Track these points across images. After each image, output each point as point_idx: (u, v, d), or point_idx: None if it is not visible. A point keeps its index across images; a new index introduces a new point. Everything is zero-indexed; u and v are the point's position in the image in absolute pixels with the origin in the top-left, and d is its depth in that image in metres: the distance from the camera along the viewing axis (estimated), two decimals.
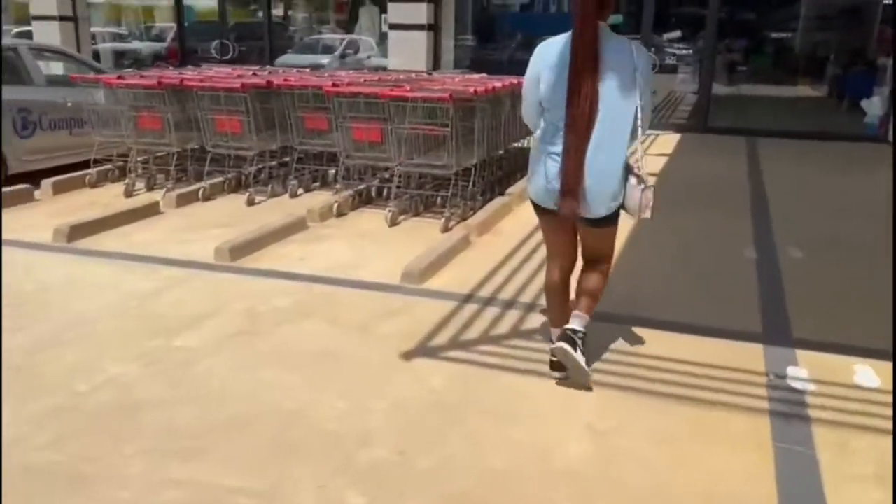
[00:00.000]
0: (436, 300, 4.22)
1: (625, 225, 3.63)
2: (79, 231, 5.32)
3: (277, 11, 17.64)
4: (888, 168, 8.57)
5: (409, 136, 5.73)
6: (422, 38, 11.95)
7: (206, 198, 6.55)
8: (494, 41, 17.15)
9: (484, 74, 8.35)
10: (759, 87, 18.50)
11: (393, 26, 12.19)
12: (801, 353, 3.60)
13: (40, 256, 4.94)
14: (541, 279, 4.65)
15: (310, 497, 2.48)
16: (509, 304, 4.18)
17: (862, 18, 14.85)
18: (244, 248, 4.98)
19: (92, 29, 15.48)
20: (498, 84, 6.47)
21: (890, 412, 3.05)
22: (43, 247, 5.14)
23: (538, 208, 3.26)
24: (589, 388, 3.19)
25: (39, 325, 3.80)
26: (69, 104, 7.17)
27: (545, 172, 3.07)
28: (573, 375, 3.19)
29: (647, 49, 3.14)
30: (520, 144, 7.79)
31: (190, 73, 7.36)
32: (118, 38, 18.95)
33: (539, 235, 5.69)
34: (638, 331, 3.80)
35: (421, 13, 11.89)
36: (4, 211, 5.85)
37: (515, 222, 6.02)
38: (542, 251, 5.35)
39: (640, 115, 2.96)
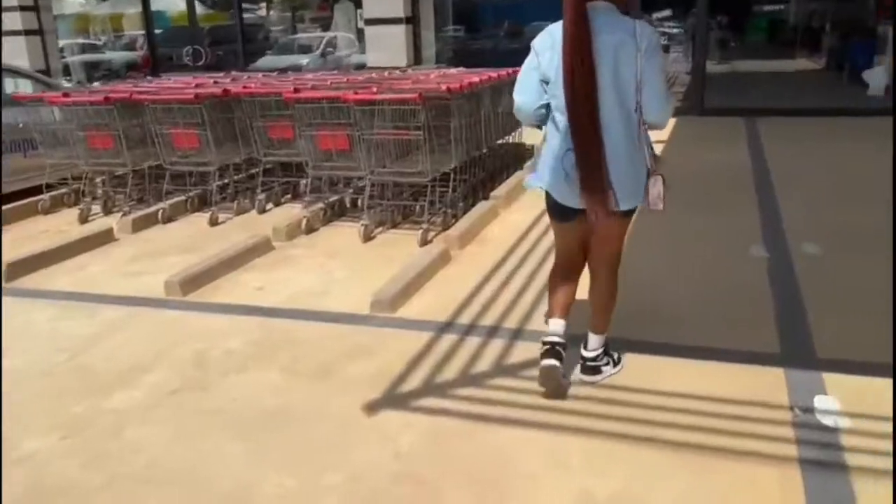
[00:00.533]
0: (409, 331, 3.72)
1: None
2: (19, 268, 4.83)
3: (250, 14, 17.12)
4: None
5: (379, 142, 5.23)
6: (400, 32, 11.41)
7: (167, 220, 6.05)
8: (479, 32, 16.61)
9: (461, 68, 7.86)
10: (755, 62, 17.98)
11: (369, 21, 11.66)
12: (829, 378, 3.10)
13: None
14: (529, 294, 4.20)
15: None
16: (492, 332, 3.68)
17: None
18: (198, 280, 4.49)
19: (61, 42, 14.96)
20: (475, 79, 5.96)
21: None
22: None
23: (555, 207, 2.97)
24: None
25: None
26: (20, 125, 6.67)
27: (562, 166, 2.78)
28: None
29: (652, 27, 2.80)
30: (505, 141, 7.29)
31: (144, 85, 6.85)
32: (90, 48, 18.43)
33: (529, 241, 5.24)
34: (634, 358, 3.31)
35: (398, 6, 11.34)
36: None
37: (502, 228, 5.53)
38: (532, 260, 4.89)
39: (641, 98, 2.68)
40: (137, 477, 2.62)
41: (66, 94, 6.24)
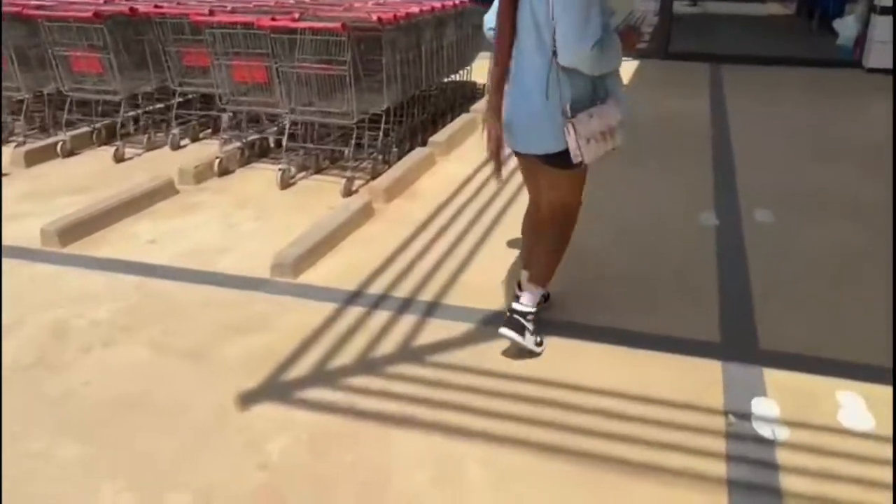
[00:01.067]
0: (310, 302, 3.28)
1: None
2: None
3: None
4: (866, 97, 7.71)
5: (300, 76, 4.65)
6: None
7: (67, 153, 5.42)
8: None
9: None
10: (726, 4, 17.40)
11: None
12: (770, 375, 2.75)
13: None
14: (453, 260, 3.77)
15: None
16: (405, 306, 3.25)
17: None
18: (81, 228, 3.95)
19: None
20: (414, 8, 5.36)
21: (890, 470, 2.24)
22: None
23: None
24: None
25: None
26: None
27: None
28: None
29: None
30: (451, 79, 6.72)
31: None
32: None
33: (463, 196, 4.78)
34: (553, 343, 2.92)
35: None
36: None
37: (438, 179, 5.04)
38: (462, 220, 4.43)
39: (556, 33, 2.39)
40: None
41: None
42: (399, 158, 5.22)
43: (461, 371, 2.76)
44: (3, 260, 3.68)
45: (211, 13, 4.90)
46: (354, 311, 3.19)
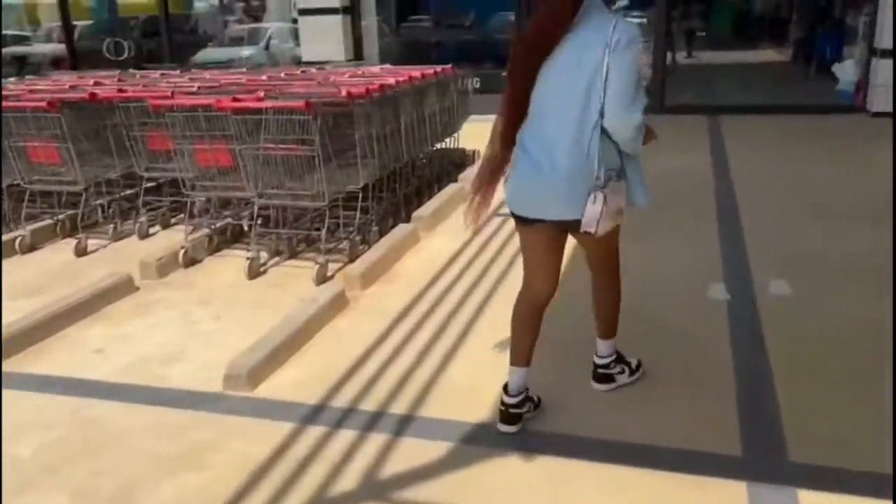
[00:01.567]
0: (264, 422, 2.85)
1: None
2: None
3: (203, 2, 15.94)
4: (871, 143, 7.35)
5: (266, 158, 4.32)
6: (336, 23, 10.45)
7: (27, 249, 5.08)
8: (444, 24, 15.36)
9: (387, 65, 6.98)
10: (720, 53, 17.28)
11: (302, 11, 10.68)
12: (806, 498, 2.29)
13: None
14: (433, 357, 3.36)
15: None
16: (373, 421, 2.82)
17: None
18: (22, 339, 3.56)
19: None
20: (390, 80, 5.08)
21: None
22: None
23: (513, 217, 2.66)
24: None
25: None
26: None
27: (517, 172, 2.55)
28: None
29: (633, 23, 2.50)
30: (438, 147, 6.42)
31: (9, 87, 5.84)
32: (20, 40, 17.15)
33: (447, 278, 4.39)
34: (542, 463, 2.47)
35: None
36: None
37: (421, 259, 4.66)
38: (445, 306, 4.02)
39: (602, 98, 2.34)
40: None
41: None
42: (381, 237, 4.85)
43: None
44: None
45: (172, 95, 4.62)
46: (314, 433, 2.76)
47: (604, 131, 2.38)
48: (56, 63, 14.60)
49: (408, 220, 5.21)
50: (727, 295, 3.84)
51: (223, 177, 4.60)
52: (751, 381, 2.97)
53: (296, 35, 14.55)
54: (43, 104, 4.72)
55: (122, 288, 4.21)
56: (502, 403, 2.69)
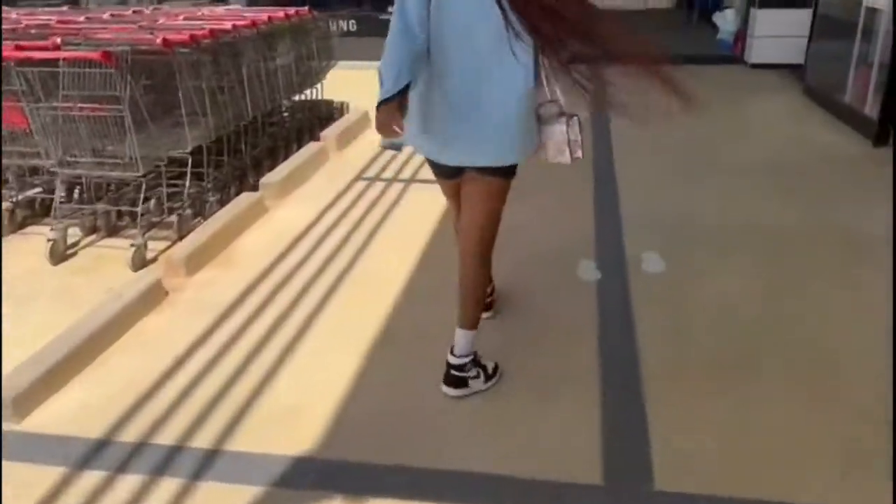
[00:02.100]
0: (27, 468, 2.26)
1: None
2: None
3: None
4: (752, 95, 7.23)
5: (67, 118, 3.58)
6: None
7: None
8: None
9: (237, 6, 6.19)
10: None
11: None
12: None
13: None
14: (261, 362, 2.84)
15: None
16: (170, 459, 2.29)
17: None
18: None
19: None
20: (227, 24, 4.37)
21: None
22: None
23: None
24: None
25: None
26: None
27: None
28: None
29: None
30: (299, 99, 5.75)
31: None
32: None
33: (296, 255, 3.85)
34: None
35: None
36: None
37: (266, 234, 4.08)
38: (290, 289, 3.52)
39: None
40: None
41: None
42: (222, 208, 4.22)
43: None
44: None
45: None
46: (91, 480, 2.20)
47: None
48: None
49: (255, 188, 4.58)
50: (598, 274, 3.49)
51: (16, 141, 3.81)
52: (617, 388, 2.62)
53: None
54: None
55: None
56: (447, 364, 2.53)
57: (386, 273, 3.54)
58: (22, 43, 3.52)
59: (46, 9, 5.85)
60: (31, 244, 3.93)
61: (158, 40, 3.61)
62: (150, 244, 3.82)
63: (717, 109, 6.79)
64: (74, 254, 3.82)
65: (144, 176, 3.66)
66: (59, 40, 3.65)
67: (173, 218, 4.00)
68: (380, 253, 3.81)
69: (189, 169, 4.02)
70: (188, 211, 4.06)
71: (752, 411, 2.47)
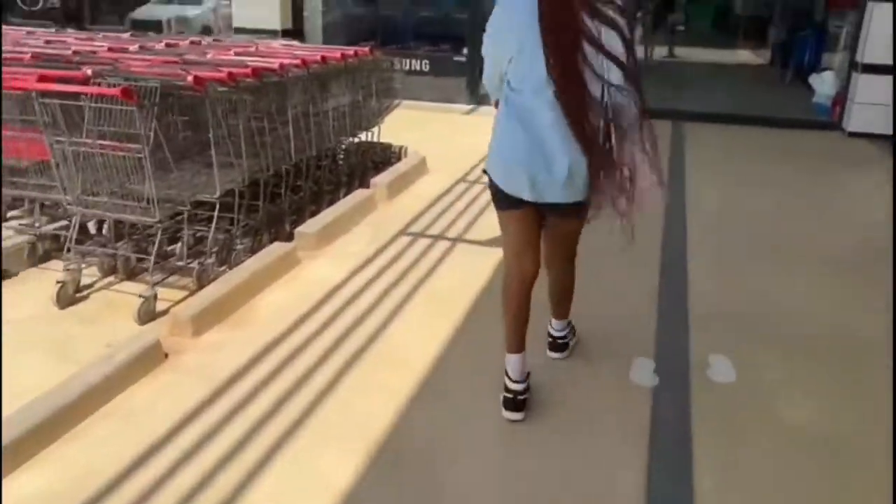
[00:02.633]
0: None
1: None
2: None
3: None
4: (848, 170, 6.56)
5: (86, 155, 3.35)
6: None
7: None
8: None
9: (294, 42, 6.00)
10: (697, 50, 16.45)
11: None
12: None
13: None
14: (254, 446, 2.46)
15: None
16: None
17: None
18: None
19: None
20: (275, 63, 4.12)
21: None
22: None
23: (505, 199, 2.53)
24: None
25: None
26: None
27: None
28: None
29: None
30: (350, 142, 5.46)
31: None
32: None
33: (312, 324, 3.47)
34: None
35: None
36: None
37: (292, 292, 3.74)
38: (305, 357, 3.15)
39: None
40: None
41: None
42: (251, 257, 3.91)
43: None
44: None
45: None
46: None
47: None
48: None
49: (290, 238, 4.27)
50: (655, 379, 2.98)
51: (39, 174, 3.62)
52: None
53: None
54: None
55: None
56: (507, 390, 2.62)
57: (412, 352, 3.13)
58: (46, 72, 3.31)
59: (110, 34, 5.79)
60: (43, 283, 3.67)
61: (189, 78, 3.34)
62: (167, 293, 3.55)
63: (808, 181, 6.18)
64: (86, 297, 3.57)
65: (160, 222, 3.37)
66: (89, 71, 3.44)
67: (195, 265, 3.72)
68: (410, 324, 3.41)
69: (216, 213, 3.74)
70: (210, 259, 3.76)
71: None
